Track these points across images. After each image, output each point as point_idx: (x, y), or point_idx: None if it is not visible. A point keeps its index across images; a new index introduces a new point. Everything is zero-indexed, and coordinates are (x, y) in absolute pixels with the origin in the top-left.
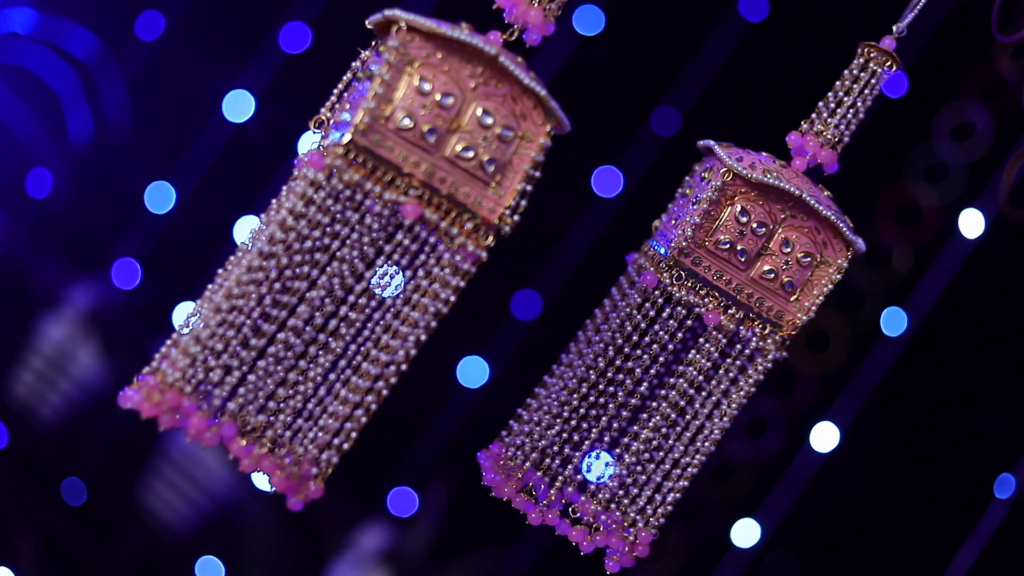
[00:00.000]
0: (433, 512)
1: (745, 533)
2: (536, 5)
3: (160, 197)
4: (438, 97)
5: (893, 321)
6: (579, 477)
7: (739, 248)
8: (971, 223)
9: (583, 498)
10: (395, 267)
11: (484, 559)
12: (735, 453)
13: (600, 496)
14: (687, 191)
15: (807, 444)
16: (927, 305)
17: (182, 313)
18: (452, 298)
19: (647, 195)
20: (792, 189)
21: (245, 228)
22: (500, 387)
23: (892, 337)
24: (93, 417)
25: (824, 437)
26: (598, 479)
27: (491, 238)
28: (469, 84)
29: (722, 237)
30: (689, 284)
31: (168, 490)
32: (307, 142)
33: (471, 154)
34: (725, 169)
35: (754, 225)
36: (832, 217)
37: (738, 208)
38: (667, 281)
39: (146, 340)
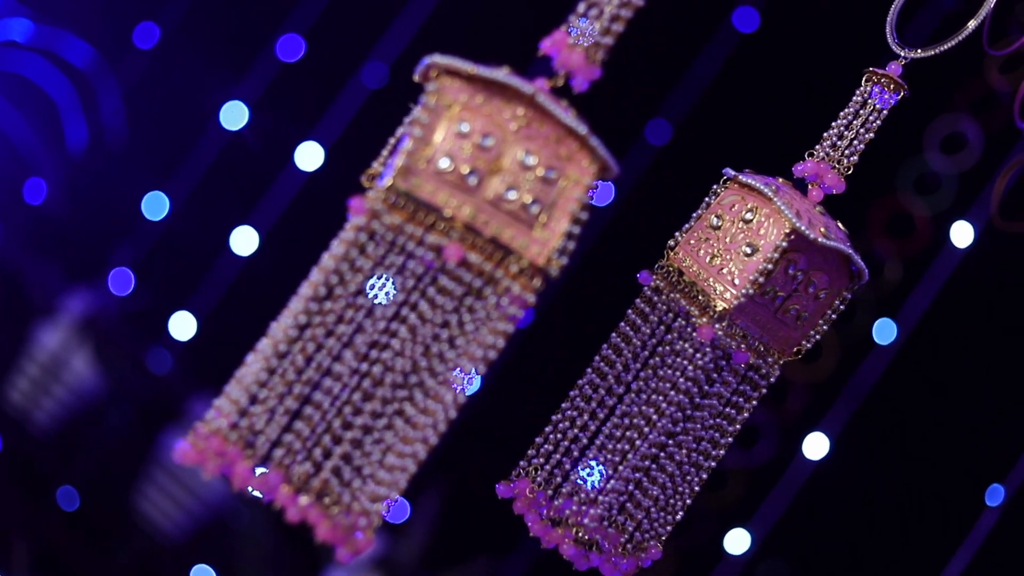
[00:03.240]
0: (425, 519)
1: (737, 541)
2: (579, 49)
3: (155, 205)
4: (477, 139)
5: (884, 330)
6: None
7: (780, 295)
8: (962, 234)
9: (592, 520)
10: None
11: (476, 566)
12: (727, 462)
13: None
14: (717, 223)
15: (799, 453)
16: (918, 315)
17: (177, 321)
18: (501, 343)
19: (639, 204)
20: (844, 249)
21: (241, 237)
22: (493, 395)
23: (883, 345)
24: (88, 423)
25: (815, 446)
26: (595, 486)
27: (538, 281)
28: (510, 126)
29: (768, 288)
30: (732, 332)
31: (162, 497)
32: (303, 153)
33: (513, 195)
34: (790, 230)
35: (798, 275)
36: (855, 261)
37: (788, 263)
38: (720, 334)
39: (140, 347)
